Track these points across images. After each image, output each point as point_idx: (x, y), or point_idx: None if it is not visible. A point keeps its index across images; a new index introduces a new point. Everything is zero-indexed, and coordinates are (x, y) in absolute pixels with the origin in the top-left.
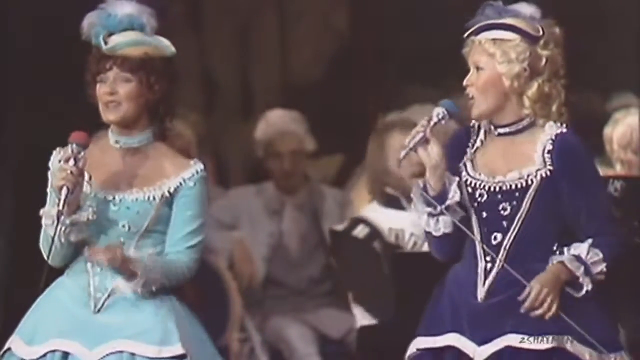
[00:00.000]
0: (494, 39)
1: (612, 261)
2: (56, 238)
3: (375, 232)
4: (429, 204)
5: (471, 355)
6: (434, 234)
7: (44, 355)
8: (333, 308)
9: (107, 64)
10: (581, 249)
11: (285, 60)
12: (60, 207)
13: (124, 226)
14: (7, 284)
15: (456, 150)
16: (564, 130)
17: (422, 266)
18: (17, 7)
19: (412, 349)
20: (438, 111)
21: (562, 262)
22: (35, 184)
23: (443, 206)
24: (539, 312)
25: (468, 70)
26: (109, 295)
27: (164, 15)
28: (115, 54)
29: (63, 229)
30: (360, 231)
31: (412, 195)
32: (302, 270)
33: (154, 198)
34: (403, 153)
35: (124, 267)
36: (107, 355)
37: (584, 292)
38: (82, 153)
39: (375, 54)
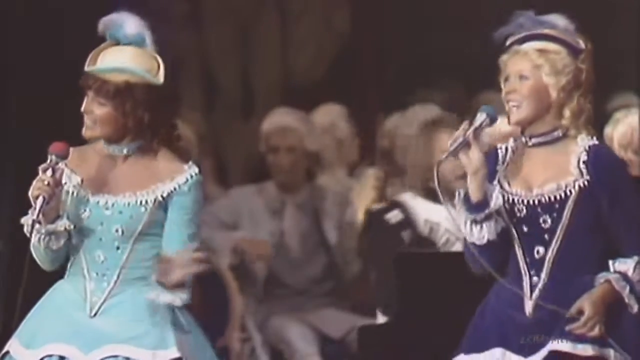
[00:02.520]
0: (540, 50)
1: None
2: (37, 245)
3: (408, 221)
4: (471, 211)
5: None
6: (478, 242)
7: (42, 359)
8: (334, 308)
9: (88, 82)
10: (627, 265)
11: (286, 60)
12: (36, 217)
13: (117, 230)
14: (7, 284)
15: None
16: (596, 142)
17: (424, 267)
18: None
19: None
20: (481, 116)
21: (609, 282)
22: None
23: (487, 210)
24: (585, 332)
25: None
26: (105, 300)
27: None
28: (96, 76)
29: (42, 237)
30: (394, 216)
31: (454, 202)
32: (303, 270)
33: (147, 202)
34: (444, 156)
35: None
36: (102, 359)
37: (630, 310)
38: (61, 164)
39: (375, 54)
